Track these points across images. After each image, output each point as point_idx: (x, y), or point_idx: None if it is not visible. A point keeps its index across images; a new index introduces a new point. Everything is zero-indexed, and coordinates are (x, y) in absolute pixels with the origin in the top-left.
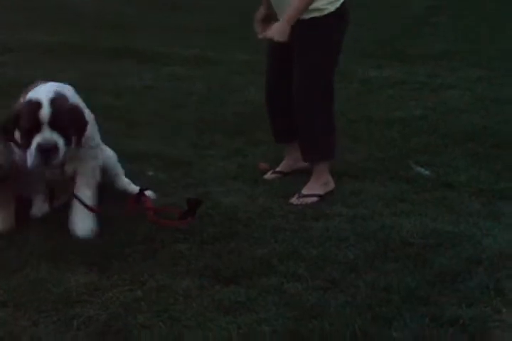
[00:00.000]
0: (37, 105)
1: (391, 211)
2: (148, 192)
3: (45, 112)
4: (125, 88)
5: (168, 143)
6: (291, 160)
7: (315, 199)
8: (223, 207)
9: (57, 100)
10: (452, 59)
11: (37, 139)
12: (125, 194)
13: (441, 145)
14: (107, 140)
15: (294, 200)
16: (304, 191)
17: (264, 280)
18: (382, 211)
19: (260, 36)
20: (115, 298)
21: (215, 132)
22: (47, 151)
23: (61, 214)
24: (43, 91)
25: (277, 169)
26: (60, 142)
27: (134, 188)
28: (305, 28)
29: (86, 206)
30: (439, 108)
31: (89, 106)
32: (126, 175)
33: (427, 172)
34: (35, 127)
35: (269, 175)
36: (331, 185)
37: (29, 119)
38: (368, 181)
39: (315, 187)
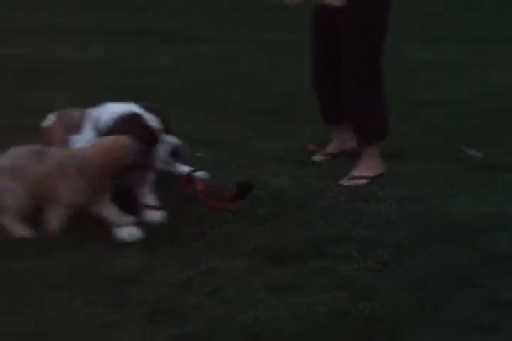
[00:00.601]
0: (140, 117)
1: (441, 193)
2: (199, 173)
3: (154, 120)
4: (170, 69)
5: (215, 124)
6: (338, 142)
7: (365, 181)
8: (272, 189)
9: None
10: (504, 39)
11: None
12: (176, 175)
13: (491, 127)
14: None
15: (343, 182)
16: (354, 173)
17: (314, 261)
18: (432, 193)
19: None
20: (166, 279)
21: (262, 113)
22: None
23: None
24: (124, 107)
25: (326, 150)
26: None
27: (185, 169)
28: (351, 7)
29: (152, 207)
30: (490, 89)
31: (132, 87)
32: None
33: (478, 155)
34: (154, 137)
35: (317, 157)
36: (381, 168)
37: (146, 131)
38: (418, 163)
39: (365, 169)
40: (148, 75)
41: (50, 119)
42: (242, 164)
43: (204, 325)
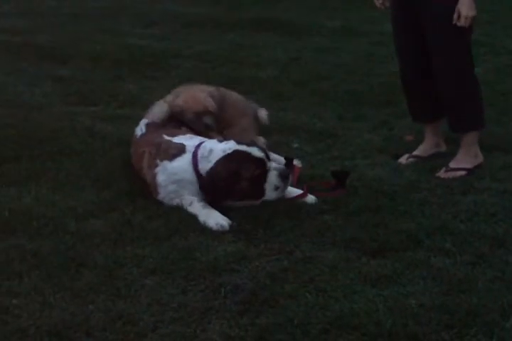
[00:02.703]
0: (247, 153)
1: None
2: (295, 161)
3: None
4: (269, 60)
5: (313, 115)
6: (428, 145)
7: (463, 172)
8: (369, 180)
9: None
10: None
11: (275, 173)
12: None
13: None
14: None
15: (441, 174)
16: (452, 164)
17: (410, 254)
18: None
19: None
20: (262, 268)
21: (360, 104)
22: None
23: None
24: (223, 144)
25: (414, 153)
26: None
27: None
28: None
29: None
30: None
31: (233, 78)
32: (272, 147)
33: None
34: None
35: (405, 159)
36: (480, 158)
37: (260, 165)
38: None
39: (463, 161)
40: (245, 66)
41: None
42: (340, 155)
43: (299, 315)
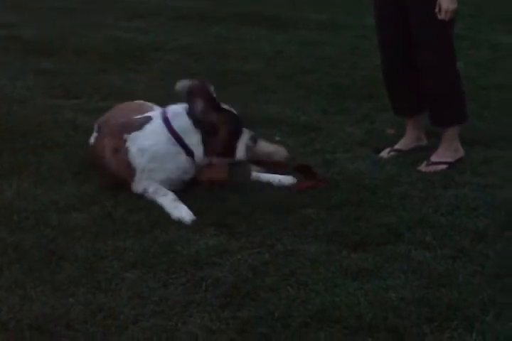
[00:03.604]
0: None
1: None
2: (282, 152)
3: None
4: (254, 53)
5: (297, 108)
6: (409, 138)
7: (444, 166)
8: (350, 173)
9: None
10: None
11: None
12: None
13: None
14: (235, 104)
15: (422, 167)
16: (433, 158)
17: (391, 247)
18: None
19: None
20: (243, 261)
21: (344, 97)
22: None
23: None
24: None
25: (395, 147)
26: None
27: None
28: None
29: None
30: None
31: (218, 71)
32: None
33: None
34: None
35: (386, 153)
36: (461, 153)
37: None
38: (499, 149)
39: (444, 155)
40: (231, 59)
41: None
42: (322, 148)
43: (280, 308)
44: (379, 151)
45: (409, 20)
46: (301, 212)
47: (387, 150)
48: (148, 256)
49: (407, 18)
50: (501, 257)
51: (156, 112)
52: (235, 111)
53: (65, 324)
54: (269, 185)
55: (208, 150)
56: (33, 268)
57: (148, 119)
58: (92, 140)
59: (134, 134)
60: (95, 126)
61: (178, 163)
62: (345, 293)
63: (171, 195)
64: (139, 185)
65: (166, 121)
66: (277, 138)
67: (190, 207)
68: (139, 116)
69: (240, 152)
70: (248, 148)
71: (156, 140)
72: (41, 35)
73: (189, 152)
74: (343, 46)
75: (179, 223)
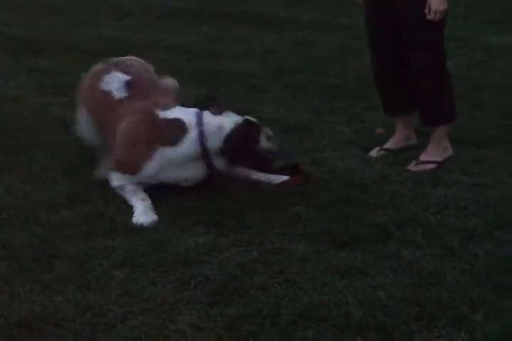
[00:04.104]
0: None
1: None
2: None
3: None
4: (245, 53)
5: (287, 107)
6: (399, 138)
7: (433, 166)
8: (340, 172)
9: None
10: None
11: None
12: None
13: None
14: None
15: (411, 167)
16: (422, 157)
17: (380, 246)
18: (505, 180)
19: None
20: (232, 259)
21: (334, 97)
22: None
23: None
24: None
25: (385, 146)
26: None
27: None
28: None
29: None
30: None
31: (210, 71)
32: None
33: None
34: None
35: (376, 152)
36: (450, 152)
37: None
38: (490, 149)
39: (433, 154)
40: (221, 58)
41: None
42: (312, 147)
43: (268, 306)
44: (369, 150)
45: (399, 20)
46: (290, 210)
47: (377, 149)
48: (138, 255)
49: (397, 17)
50: (490, 256)
51: (189, 117)
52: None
53: (54, 322)
54: (258, 183)
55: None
56: (22, 266)
57: (184, 132)
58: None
59: (165, 149)
60: (121, 77)
61: (190, 172)
62: (333, 291)
63: (148, 202)
64: (120, 179)
65: (201, 136)
66: None
67: (178, 206)
68: (171, 117)
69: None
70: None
71: (184, 155)
72: (32, 33)
73: (210, 165)
74: (335, 46)
75: (169, 222)
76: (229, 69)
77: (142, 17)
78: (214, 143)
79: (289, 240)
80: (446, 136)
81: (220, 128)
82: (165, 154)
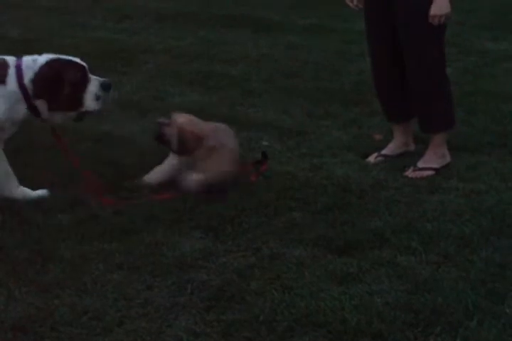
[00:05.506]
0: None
1: (509, 186)
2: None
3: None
4: (240, 56)
5: (283, 112)
6: (397, 144)
7: (430, 172)
8: (337, 178)
9: None
10: None
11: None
12: None
13: None
14: (221, 108)
15: (409, 173)
16: (420, 164)
17: (377, 252)
18: (500, 186)
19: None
20: (229, 264)
21: (330, 102)
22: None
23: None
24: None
25: (383, 152)
26: None
27: None
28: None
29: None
30: None
31: (205, 74)
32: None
33: None
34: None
35: (373, 158)
36: (448, 159)
37: (82, 71)
38: (486, 155)
39: (431, 160)
40: (216, 62)
41: None
42: (309, 152)
43: (265, 311)
44: (366, 156)
45: (398, 26)
46: (287, 215)
47: (374, 155)
48: (134, 258)
49: (397, 25)
50: (486, 263)
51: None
52: (78, 61)
53: (50, 325)
54: (255, 187)
55: (52, 106)
56: (17, 268)
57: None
58: None
59: None
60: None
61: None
62: (330, 297)
63: None
64: None
65: (19, 71)
66: (265, 143)
67: (176, 210)
68: None
69: (88, 101)
70: (101, 98)
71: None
72: (28, 34)
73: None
74: (330, 50)
75: (166, 225)
76: (224, 72)
77: (139, 20)
78: (30, 77)
79: (286, 245)
80: (444, 143)
81: (35, 60)
82: None
